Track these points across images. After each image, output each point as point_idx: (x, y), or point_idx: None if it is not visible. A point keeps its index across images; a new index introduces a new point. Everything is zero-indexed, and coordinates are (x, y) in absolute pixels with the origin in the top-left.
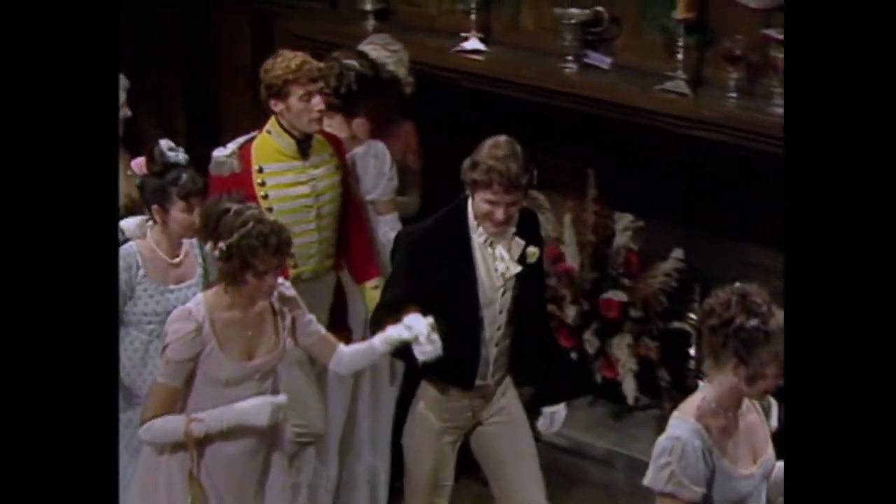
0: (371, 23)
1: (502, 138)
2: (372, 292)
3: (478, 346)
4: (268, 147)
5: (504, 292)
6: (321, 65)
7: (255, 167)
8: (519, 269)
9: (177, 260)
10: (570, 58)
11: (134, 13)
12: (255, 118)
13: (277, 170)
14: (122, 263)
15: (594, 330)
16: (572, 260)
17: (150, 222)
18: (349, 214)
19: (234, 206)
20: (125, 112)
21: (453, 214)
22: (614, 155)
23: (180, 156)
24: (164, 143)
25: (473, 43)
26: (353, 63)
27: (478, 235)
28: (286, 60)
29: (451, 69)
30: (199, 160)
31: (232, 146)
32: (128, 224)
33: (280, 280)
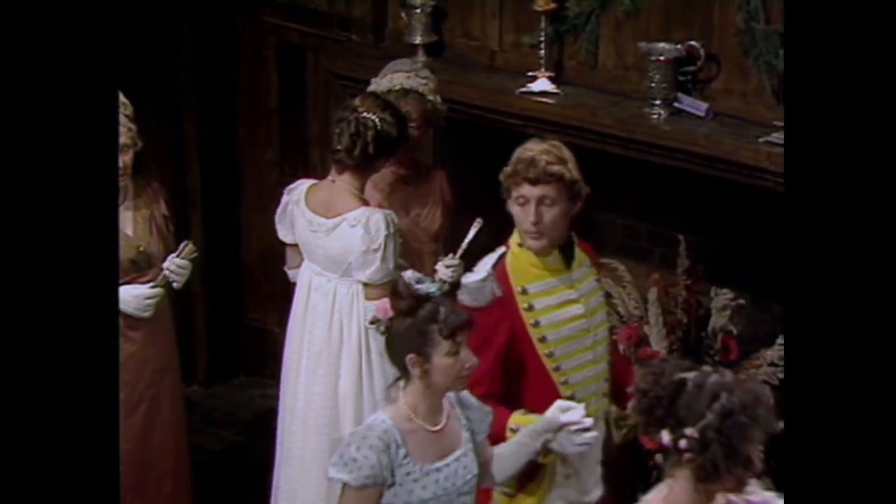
0: (421, 58)
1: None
2: None
3: None
4: (524, 263)
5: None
6: (552, 164)
7: (517, 289)
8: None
9: (439, 427)
10: (657, 102)
11: (145, 43)
12: (283, 174)
13: (544, 289)
14: (377, 444)
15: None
16: (658, 344)
17: (401, 382)
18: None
19: (690, 376)
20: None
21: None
22: (710, 219)
23: (433, 286)
24: (410, 275)
25: (542, 83)
26: (373, 119)
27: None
28: (520, 151)
29: (515, 114)
30: (218, 227)
31: (484, 268)
32: (125, 295)
33: None
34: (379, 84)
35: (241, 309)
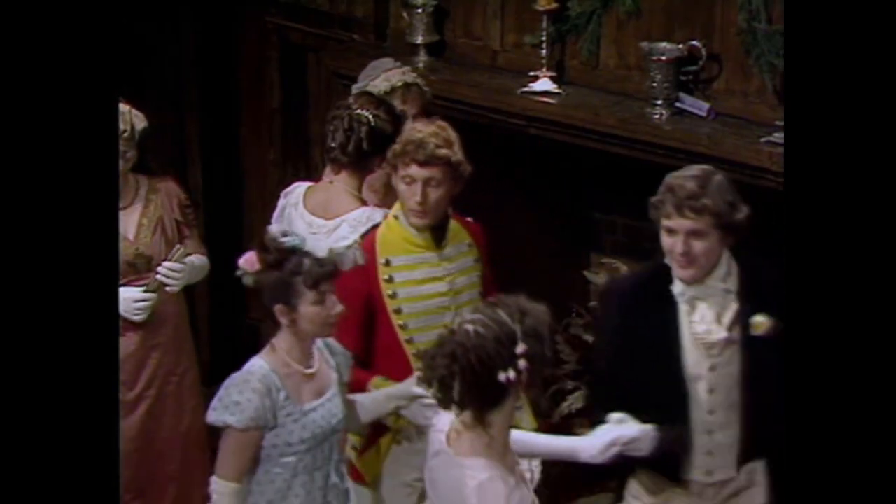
0: (422, 59)
1: (699, 166)
2: None
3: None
4: (395, 235)
5: (713, 367)
6: (441, 147)
7: (380, 260)
8: (724, 335)
9: (313, 370)
10: (659, 102)
11: (147, 41)
12: (286, 174)
13: (408, 263)
14: (259, 387)
15: None
16: None
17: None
18: None
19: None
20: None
21: (659, 264)
22: None
23: (297, 239)
24: (275, 229)
25: (544, 83)
26: (367, 116)
27: (677, 289)
28: (410, 131)
29: (516, 114)
30: (220, 227)
31: (351, 235)
32: (126, 296)
33: None
34: (376, 85)
35: (242, 309)
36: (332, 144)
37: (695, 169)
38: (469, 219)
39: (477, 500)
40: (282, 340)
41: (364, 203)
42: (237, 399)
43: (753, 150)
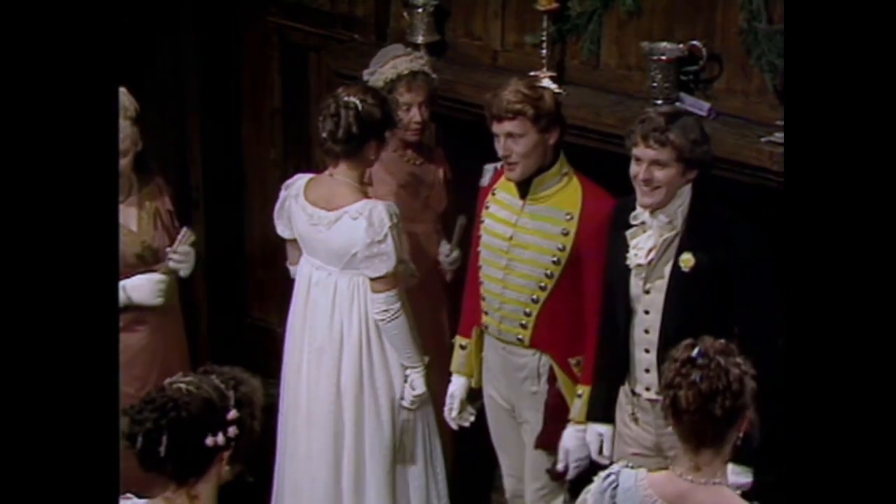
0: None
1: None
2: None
3: (627, 344)
4: None
5: (648, 290)
6: (515, 103)
7: (494, 188)
8: (642, 261)
9: None
10: (659, 102)
11: (147, 41)
12: (286, 173)
13: (502, 200)
14: None
15: None
16: None
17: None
18: (565, 293)
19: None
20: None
21: (632, 195)
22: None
23: None
24: None
25: (544, 83)
26: (354, 101)
27: (632, 215)
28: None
29: None
30: (221, 225)
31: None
32: (134, 283)
33: None
34: (383, 72)
35: (243, 308)
36: (323, 134)
37: (667, 107)
38: (607, 198)
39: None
40: None
41: (366, 195)
42: None
43: (754, 150)
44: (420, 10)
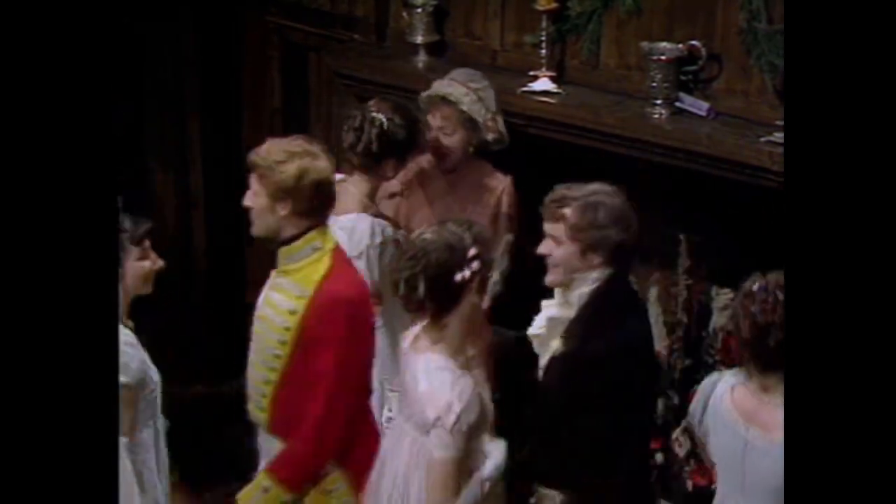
0: (422, 58)
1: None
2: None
3: None
4: None
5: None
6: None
7: None
8: (534, 331)
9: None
10: (659, 102)
11: (148, 41)
12: None
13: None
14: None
15: (684, 429)
16: (659, 344)
17: None
18: (299, 379)
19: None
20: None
21: None
22: (712, 218)
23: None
24: None
25: (544, 83)
26: (380, 118)
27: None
28: None
29: (516, 113)
30: (221, 227)
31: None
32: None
33: None
34: (434, 87)
35: (243, 308)
36: (345, 145)
37: (594, 185)
38: (355, 283)
39: (426, 382)
40: None
41: (365, 208)
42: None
43: (754, 150)
44: (419, 9)
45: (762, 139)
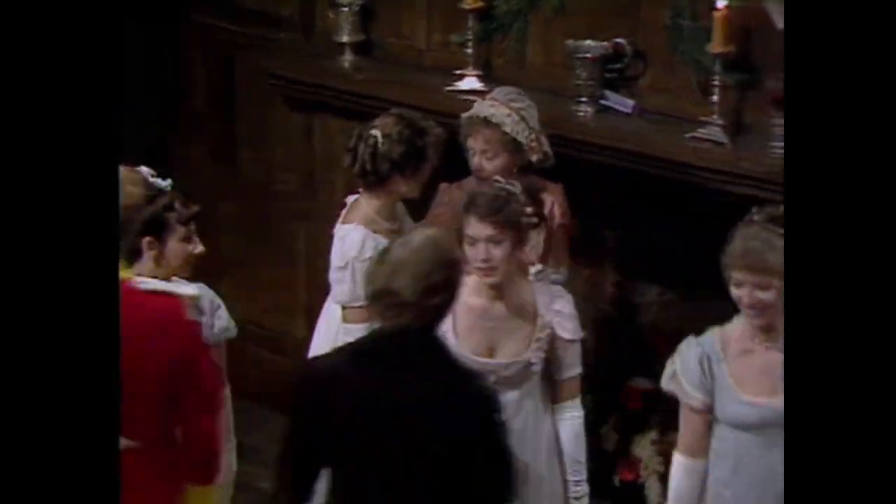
0: (349, 58)
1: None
2: None
3: None
4: None
5: None
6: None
7: None
8: None
9: None
10: (584, 99)
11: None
12: (214, 175)
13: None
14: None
15: (612, 424)
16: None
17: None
18: None
19: None
20: None
21: None
22: (637, 215)
23: (165, 182)
24: (146, 170)
25: (470, 82)
26: (374, 136)
27: None
28: None
29: (442, 112)
30: None
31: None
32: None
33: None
34: (475, 109)
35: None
36: (344, 164)
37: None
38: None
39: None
40: (145, 268)
41: (368, 223)
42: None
43: (679, 147)
44: (345, 8)
45: (687, 135)
